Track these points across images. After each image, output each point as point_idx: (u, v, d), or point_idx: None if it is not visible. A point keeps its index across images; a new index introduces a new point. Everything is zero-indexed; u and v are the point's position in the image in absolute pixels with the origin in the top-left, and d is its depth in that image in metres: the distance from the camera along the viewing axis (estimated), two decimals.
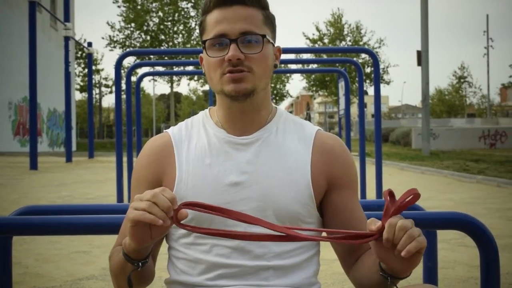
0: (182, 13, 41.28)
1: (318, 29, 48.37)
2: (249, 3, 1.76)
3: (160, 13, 41.06)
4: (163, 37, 41.24)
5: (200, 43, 1.84)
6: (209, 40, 1.76)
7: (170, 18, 40.95)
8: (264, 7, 1.81)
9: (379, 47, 46.91)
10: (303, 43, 49.36)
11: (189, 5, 41.39)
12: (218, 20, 1.75)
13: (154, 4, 41.20)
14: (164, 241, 1.92)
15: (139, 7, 40.74)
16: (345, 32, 48.25)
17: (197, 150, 1.82)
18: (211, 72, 1.78)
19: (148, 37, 41.07)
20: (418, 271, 5.48)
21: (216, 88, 1.79)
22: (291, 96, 67.38)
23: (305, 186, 1.79)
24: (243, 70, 1.73)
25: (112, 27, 41.33)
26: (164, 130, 1.94)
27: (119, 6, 40.81)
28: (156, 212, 1.48)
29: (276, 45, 1.87)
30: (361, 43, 47.05)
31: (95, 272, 5.40)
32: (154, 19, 41.21)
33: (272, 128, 1.86)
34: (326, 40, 47.72)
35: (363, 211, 1.88)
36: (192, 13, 41.36)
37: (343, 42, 47.70)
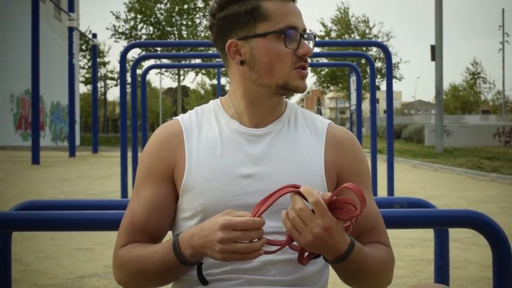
0: (191, 4, 41.04)
1: (324, 25, 48.08)
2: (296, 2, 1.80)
3: (168, 4, 40.82)
4: (169, 28, 41.03)
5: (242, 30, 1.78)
6: (291, 30, 1.74)
7: (178, 8, 40.70)
8: None
9: (388, 40, 46.57)
10: None
11: None
12: (288, 11, 1.75)
13: None
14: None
15: None
16: (352, 26, 47.89)
17: (208, 140, 1.80)
18: (277, 63, 1.74)
19: (155, 29, 40.85)
20: (429, 271, 5.23)
21: (276, 80, 1.76)
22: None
23: (319, 179, 1.77)
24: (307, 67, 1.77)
25: (117, 17, 41.13)
26: (174, 118, 1.90)
27: None
28: (255, 247, 1.56)
29: None
30: (369, 36, 46.83)
31: (97, 270, 5.39)
32: (161, 11, 41.00)
33: (285, 120, 1.85)
34: (333, 34, 47.44)
35: (376, 206, 1.86)
36: (201, 5, 41.12)
37: (352, 35, 47.46)
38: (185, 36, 41.46)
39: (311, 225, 1.51)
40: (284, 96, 1.83)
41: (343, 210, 1.52)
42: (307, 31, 1.77)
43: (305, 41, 1.75)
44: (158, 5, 41.20)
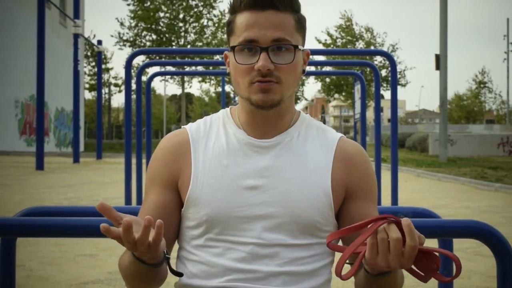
0: (193, 11, 40.94)
1: (329, 34, 47.96)
2: (282, 8, 1.71)
3: (170, 12, 40.72)
4: (173, 37, 40.92)
5: (227, 44, 1.81)
6: (238, 45, 1.72)
7: (181, 16, 40.66)
8: (297, 10, 1.77)
9: (393, 51, 46.37)
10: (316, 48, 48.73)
11: (200, 3, 41.08)
12: (249, 24, 1.71)
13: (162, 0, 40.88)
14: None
15: (148, 3, 40.47)
16: (357, 34, 47.73)
17: (215, 150, 1.80)
18: (238, 77, 1.75)
19: (158, 37, 40.78)
20: (433, 281, 5.23)
21: (242, 94, 1.76)
22: (306, 99, 67.38)
23: (325, 193, 1.76)
24: (272, 80, 1.70)
25: (121, 24, 41.13)
26: (182, 126, 1.91)
27: (128, 4, 40.60)
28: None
29: (305, 50, 1.83)
30: (375, 44, 46.64)
31: (100, 276, 5.41)
32: (164, 19, 40.93)
33: (294, 132, 1.83)
34: (339, 44, 47.30)
35: None
36: (204, 12, 41.06)
37: (357, 43, 47.33)
38: (191, 40, 41.32)
39: (393, 258, 1.45)
40: (272, 108, 1.76)
41: (424, 263, 1.49)
42: (282, 42, 1.70)
43: (265, 54, 1.69)
44: (161, 14, 41.09)
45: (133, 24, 41.08)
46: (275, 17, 1.71)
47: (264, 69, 1.68)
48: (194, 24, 41.30)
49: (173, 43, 40.82)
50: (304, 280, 1.73)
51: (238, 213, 1.72)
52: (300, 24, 1.77)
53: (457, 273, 1.45)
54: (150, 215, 1.72)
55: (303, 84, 63.23)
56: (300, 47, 1.75)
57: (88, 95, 63.07)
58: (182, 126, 1.91)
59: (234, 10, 1.76)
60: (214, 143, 1.81)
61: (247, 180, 1.75)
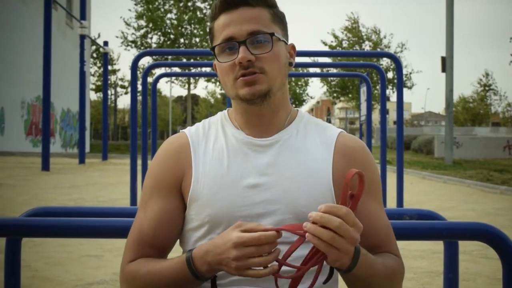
0: (198, 12, 41.00)
1: (335, 36, 47.94)
2: (254, 4, 1.76)
3: (177, 15, 40.76)
4: (180, 40, 40.95)
5: (211, 50, 1.83)
6: (218, 45, 1.77)
7: (187, 17, 40.71)
8: (271, 5, 1.80)
9: (401, 51, 46.31)
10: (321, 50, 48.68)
11: (204, 4, 41.13)
12: (225, 24, 1.76)
13: (170, 3, 40.92)
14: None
15: (156, 3, 40.51)
16: (364, 35, 47.68)
17: (215, 151, 1.81)
18: (224, 77, 1.78)
19: (165, 38, 40.84)
20: (438, 283, 5.20)
21: (231, 93, 1.79)
22: (311, 97, 67.08)
23: (327, 189, 1.75)
24: (255, 72, 1.72)
25: (127, 24, 41.17)
26: (181, 130, 1.92)
27: (136, 4, 40.64)
28: (268, 260, 1.55)
29: (290, 43, 1.86)
30: (381, 47, 46.59)
31: (106, 277, 5.40)
32: (173, 21, 40.99)
33: (293, 130, 1.84)
34: (345, 45, 47.28)
35: (386, 219, 1.82)
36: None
37: (363, 45, 47.28)
38: (196, 43, 41.36)
39: (348, 236, 1.48)
40: (263, 102, 1.77)
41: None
42: (259, 33, 1.74)
43: (243, 47, 1.72)
44: (169, 15, 41.17)
45: (140, 26, 41.13)
46: (248, 12, 1.75)
47: (244, 61, 1.71)
48: (198, 29, 41.33)
49: (181, 45, 40.88)
50: (310, 278, 1.70)
51: (241, 212, 1.72)
52: (277, 17, 1.80)
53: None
54: (155, 223, 1.77)
55: (306, 84, 63.12)
56: (278, 36, 1.77)
57: (94, 96, 63.21)
58: (180, 131, 1.93)
59: (212, 18, 1.82)
60: (213, 145, 1.82)
61: (248, 178, 1.75)
